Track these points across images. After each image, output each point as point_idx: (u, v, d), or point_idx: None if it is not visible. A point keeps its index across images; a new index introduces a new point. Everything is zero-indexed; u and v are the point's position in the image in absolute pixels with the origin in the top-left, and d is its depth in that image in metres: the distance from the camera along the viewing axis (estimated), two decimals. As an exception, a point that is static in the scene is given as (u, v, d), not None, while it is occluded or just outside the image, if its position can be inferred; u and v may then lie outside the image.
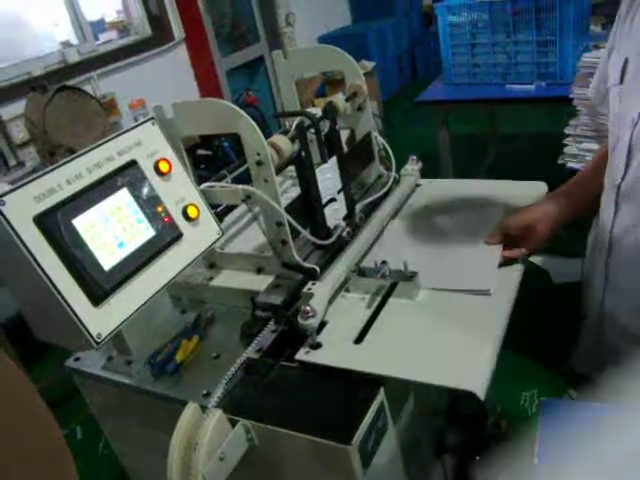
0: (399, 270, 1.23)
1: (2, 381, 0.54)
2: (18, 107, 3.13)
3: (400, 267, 1.23)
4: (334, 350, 1.11)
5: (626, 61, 1.16)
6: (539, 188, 1.55)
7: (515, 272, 1.26)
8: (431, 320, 1.16)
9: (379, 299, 1.24)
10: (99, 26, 4.33)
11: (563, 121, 2.45)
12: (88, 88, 3.63)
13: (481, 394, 0.95)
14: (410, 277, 1.22)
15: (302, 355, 1.10)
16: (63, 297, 0.93)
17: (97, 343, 0.97)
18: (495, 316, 1.13)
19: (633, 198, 1.16)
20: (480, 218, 1.46)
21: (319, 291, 1.18)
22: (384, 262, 1.24)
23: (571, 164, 2.22)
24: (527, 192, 1.51)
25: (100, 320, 0.98)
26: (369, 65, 5.43)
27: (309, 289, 1.19)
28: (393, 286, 1.24)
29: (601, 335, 1.38)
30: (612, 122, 1.23)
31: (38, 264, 0.91)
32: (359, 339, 1.13)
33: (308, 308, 1.10)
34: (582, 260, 1.49)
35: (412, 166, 1.69)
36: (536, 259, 3.11)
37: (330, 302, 1.22)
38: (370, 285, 1.26)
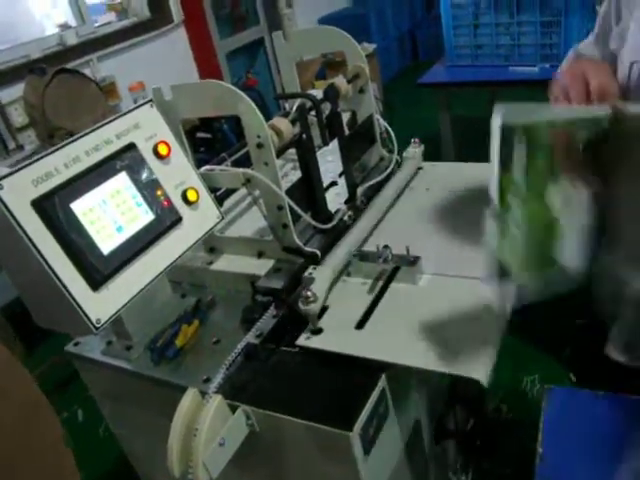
0: (401, 254, 1.22)
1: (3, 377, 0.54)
2: (17, 90, 3.10)
3: (402, 251, 1.22)
4: (335, 336, 1.10)
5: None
6: None
7: None
8: (433, 306, 1.15)
9: (381, 284, 1.23)
10: (98, 8, 4.28)
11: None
12: (87, 71, 3.59)
13: (485, 382, 0.94)
14: (412, 262, 1.21)
15: (303, 341, 1.10)
16: (62, 282, 0.92)
17: (96, 328, 0.96)
18: (499, 301, 1.12)
19: None
20: (487, 203, 1.45)
21: (320, 276, 1.17)
22: (386, 246, 1.23)
23: (574, 146, 2.19)
24: None
25: (99, 305, 0.97)
26: (370, 47, 5.38)
27: (310, 273, 1.18)
28: (395, 271, 1.23)
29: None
30: None
31: (36, 248, 0.90)
32: (360, 324, 1.12)
33: (309, 293, 1.09)
34: None
35: (414, 149, 1.67)
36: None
37: (331, 287, 1.21)
38: (372, 269, 1.25)
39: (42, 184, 0.94)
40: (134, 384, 1.20)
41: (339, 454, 0.97)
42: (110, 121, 1.08)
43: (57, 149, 0.98)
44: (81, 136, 1.02)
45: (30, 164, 0.94)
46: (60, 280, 0.92)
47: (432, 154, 1.77)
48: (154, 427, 1.06)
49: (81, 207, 0.97)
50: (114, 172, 1.05)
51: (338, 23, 1.54)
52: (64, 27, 3.88)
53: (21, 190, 0.91)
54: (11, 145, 3.17)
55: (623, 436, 1.00)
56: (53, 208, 0.94)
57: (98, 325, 0.96)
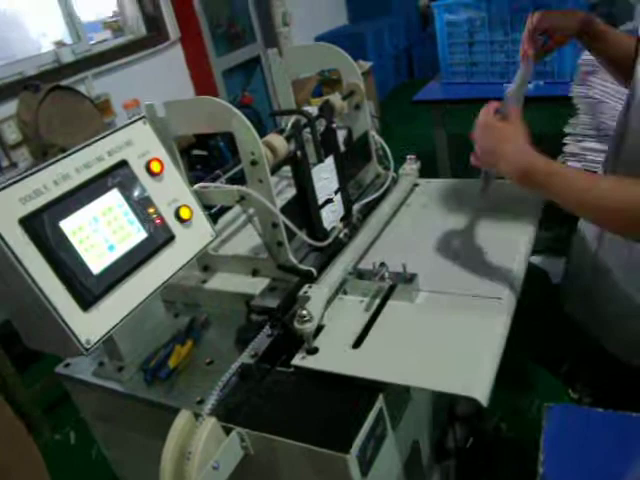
0: (398, 272, 1.20)
1: None
2: (10, 107, 3.08)
3: (399, 269, 1.20)
4: (331, 355, 1.08)
5: None
6: None
7: (518, 274, 1.23)
8: (431, 323, 1.13)
9: (378, 302, 1.21)
10: (94, 26, 4.29)
11: (561, 120, 2.43)
12: (82, 88, 3.59)
13: (484, 401, 0.92)
14: (410, 279, 1.19)
15: (298, 360, 1.07)
16: (50, 302, 0.90)
17: (86, 349, 0.94)
18: (497, 320, 1.10)
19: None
20: (484, 219, 1.43)
21: (316, 294, 1.15)
22: (382, 264, 1.21)
23: (571, 163, 2.18)
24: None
25: (89, 326, 0.95)
26: (366, 65, 5.40)
27: (305, 292, 1.16)
28: (392, 288, 1.21)
29: (593, 284, 1.41)
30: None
31: (24, 268, 0.88)
32: (357, 343, 1.10)
33: (304, 312, 1.07)
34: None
35: (410, 165, 1.66)
36: (535, 259, 3.08)
37: (327, 305, 1.19)
38: (368, 287, 1.23)
39: (30, 202, 0.92)
40: (126, 406, 1.17)
41: (336, 477, 0.94)
42: (102, 138, 1.07)
43: (46, 166, 0.96)
44: (71, 153, 1.01)
45: (18, 181, 0.92)
46: (48, 300, 0.90)
47: (428, 171, 1.76)
48: (147, 449, 1.03)
49: (71, 225, 0.95)
50: (105, 189, 1.03)
51: (335, 41, 1.54)
52: (60, 44, 3.88)
53: (9, 208, 0.90)
54: (4, 163, 3.15)
55: (625, 454, 0.98)
56: (42, 226, 0.92)
57: (88, 346, 0.94)
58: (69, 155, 1.00)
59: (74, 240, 0.95)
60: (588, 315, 1.45)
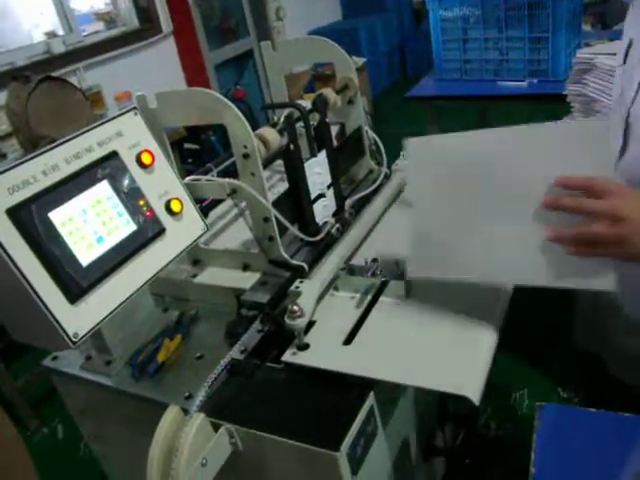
0: (390, 268, 1.19)
1: None
2: (0, 98, 3.06)
3: (391, 265, 1.19)
4: (322, 351, 1.07)
5: (630, 43, 1.20)
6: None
7: None
8: (423, 320, 1.12)
9: (369, 298, 1.20)
10: (87, 18, 4.25)
11: (556, 118, 2.43)
12: (74, 80, 3.56)
13: (475, 399, 0.91)
14: (401, 275, 1.18)
15: (289, 356, 1.06)
16: (37, 294, 0.88)
17: (73, 343, 0.92)
18: (490, 317, 1.09)
19: (632, 175, 1.17)
20: None
21: (307, 289, 1.14)
22: (374, 260, 1.20)
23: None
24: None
25: (77, 318, 0.93)
26: (359, 61, 5.39)
27: (297, 287, 1.15)
28: (384, 284, 1.20)
29: (595, 314, 1.41)
30: (615, 100, 1.29)
31: (11, 259, 0.87)
32: (348, 340, 1.09)
33: (296, 307, 1.06)
34: None
35: (403, 161, 1.65)
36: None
37: (318, 301, 1.17)
38: (360, 283, 1.22)
39: (18, 192, 0.90)
40: (114, 400, 1.16)
41: (326, 474, 0.93)
42: (92, 128, 1.05)
43: (35, 156, 0.94)
44: (60, 144, 0.99)
45: (6, 171, 0.90)
46: (36, 292, 0.88)
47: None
48: (134, 445, 1.02)
49: (59, 217, 0.94)
50: (95, 181, 1.01)
51: (328, 37, 1.52)
52: (51, 35, 3.84)
53: (-4, 198, 0.88)
54: (-6, 154, 3.12)
55: (618, 454, 0.97)
56: (30, 217, 0.90)
57: (75, 339, 0.92)
58: (58, 145, 0.99)
59: (63, 232, 0.93)
60: (591, 336, 1.45)
